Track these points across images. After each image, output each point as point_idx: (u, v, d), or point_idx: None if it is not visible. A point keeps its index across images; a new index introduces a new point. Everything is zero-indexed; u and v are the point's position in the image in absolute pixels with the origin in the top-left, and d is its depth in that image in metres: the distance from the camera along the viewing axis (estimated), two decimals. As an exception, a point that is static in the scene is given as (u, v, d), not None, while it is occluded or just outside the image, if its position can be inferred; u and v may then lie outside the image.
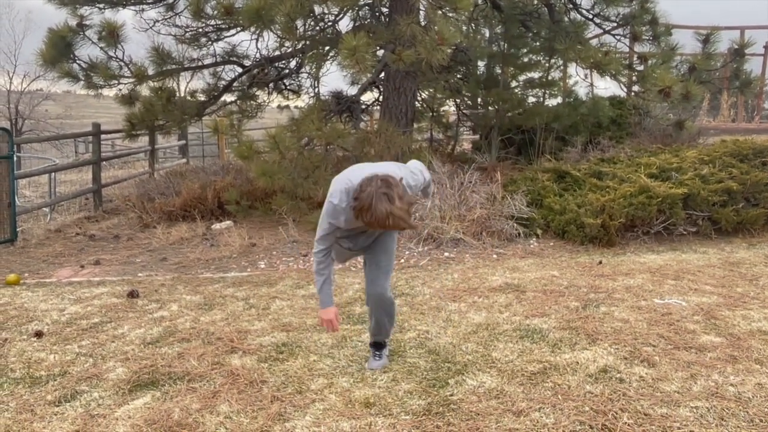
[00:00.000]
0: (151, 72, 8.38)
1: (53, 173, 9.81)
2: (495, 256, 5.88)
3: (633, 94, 9.70)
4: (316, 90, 9.23)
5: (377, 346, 3.36)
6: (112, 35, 7.93)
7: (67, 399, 2.99)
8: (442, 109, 12.00)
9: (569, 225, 6.25)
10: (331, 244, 2.99)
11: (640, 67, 8.83)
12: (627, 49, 9.56)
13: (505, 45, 9.69)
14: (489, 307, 4.22)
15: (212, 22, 8.58)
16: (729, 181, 6.36)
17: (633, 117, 10.22)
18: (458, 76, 10.53)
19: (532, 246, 6.21)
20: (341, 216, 2.84)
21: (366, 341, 3.59)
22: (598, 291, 4.52)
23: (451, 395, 2.92)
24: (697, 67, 8.68)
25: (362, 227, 2.94)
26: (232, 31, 8.87)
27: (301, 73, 9.67)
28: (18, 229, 7.39)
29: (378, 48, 7.78)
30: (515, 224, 6.38)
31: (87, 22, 8.05)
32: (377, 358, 3.34)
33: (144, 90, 8.92)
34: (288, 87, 9.94)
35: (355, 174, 2.83)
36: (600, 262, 5.42)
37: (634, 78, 9.00)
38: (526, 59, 9.97)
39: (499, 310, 4.15)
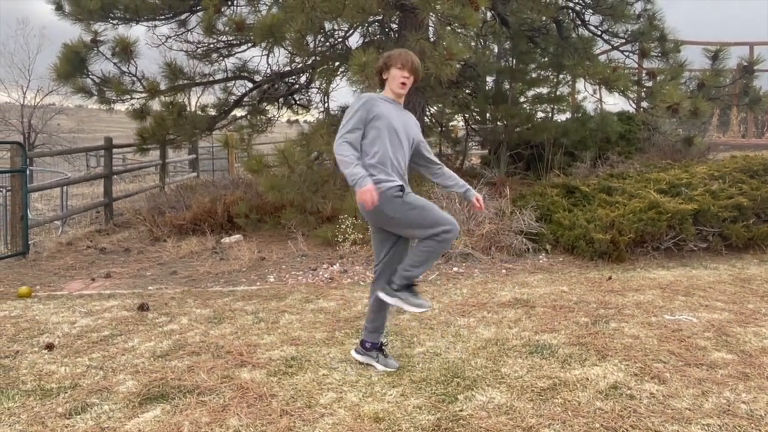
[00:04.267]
0: (163, 87, 8.48)
1: (65, 187, 9.91)
2: (504, 271, 5.87)
3: (642, 109, 9.71)
4: (326, 105, 9.30)
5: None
6: (125, 51, 8.05)
7: (78, 411, 3.00)
8: (450, 124, 12.05)
9: (578, 240, 6.24)
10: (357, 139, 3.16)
11: (649, 83, 8.85)
12: (635, 65, 9.59)
13: (514, 60, 9.74)
14: (498, 323, 4.21)
15: (224, 38, 8.68)
16: (739, 196, 6.33)
17: (642, 132, 10.23)
18: (467, 91, 10.58)
19: (541, 261, 6.20)
20: (375, 102, 3.20)
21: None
22: (608, 307, 4.50)
23: (461, 411, 2.91)
24: (706, 84, 8.70)
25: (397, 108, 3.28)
26: (244, 47, 8.97)
27: (311, 88, 9.75)
28: (30, 242, 7.46)
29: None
30: (524, 239, 6.38)
31: (101, 38, 8.18)
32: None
33: (155, 105, 9.02)
34: (298, 102, 10.01)
35: None
36: (609, 278, 5.40)
37: (642, 94, 9.02)
38: (534, 75, 10.02)
39: (508, 326, 4.14)
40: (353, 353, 3.56)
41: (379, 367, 3.43)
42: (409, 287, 3.24)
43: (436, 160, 3.52)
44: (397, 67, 3.25)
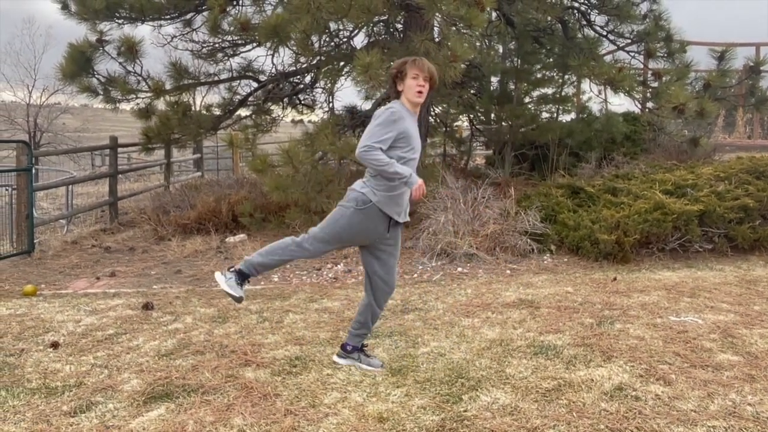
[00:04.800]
0: (168, 86, 8.50)
1: (70, 185, 9.93)
2: (508, 271, 5.86)
3: (647, 110, 9.67)
4: (331, 105, 9.30)
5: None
6: (130, 50, 8.07)
7: (83, 410, 3.01)
8: (455, 124, 12.04)
9: (583, 241, 6.22)
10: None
11: (655, 84, 8.81)
12: (641, 66, 9.56)
13: (519, 61, 9.72)
14: (503, 323, 4.20)
15: (229, 38, 8.69)
16: (745, 198, 6.31)
17: (647, 133, 10.19)
18: (472, 91, 10.57)
19: (545, 262, 6.19)
20: (403, 118, 3.13)
21: (378, 355, 3.59)
22: (613, 308, 4.49)
23: (465, 411, 2.91)
24: (712, 84, 8.66)
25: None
26: (249, 47, 8.98)
27: (316, 88, 9.75)
28: (35, 241, 7.48)
29: (392, 64, 7.83)
30: (529, 240, 6.36)
31: (106, 38, 8.20)
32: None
33: (160, 104, 9.04)
34: (302, 102, 10.02)
35: None
36: (614, 279, 5.38)
37: (648, 94, 8.99)
38: (539, 75, 10.00)
39: (512, 326, 4.13)
40: (335, 358, 3.53)
41: (364, 367, 3.44)
42: (243, 276, 3.30)
43: None
44: (412, 76, 3.17)
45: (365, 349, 3.54)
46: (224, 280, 3.28)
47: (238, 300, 3.29)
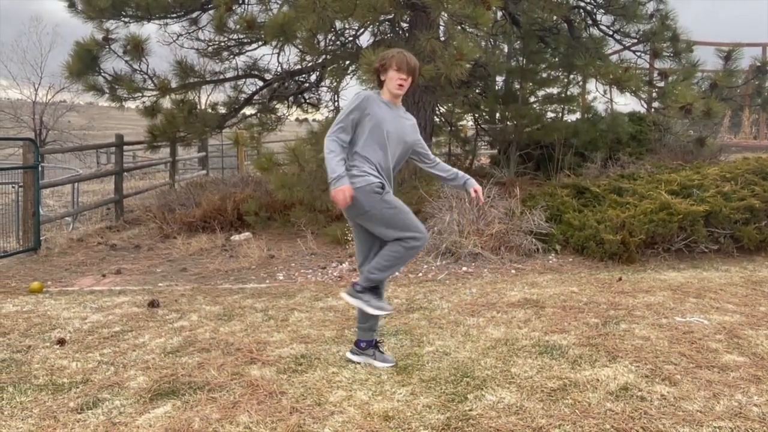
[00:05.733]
0: (174, 85, 8.53)
1: (76, 183, 9.97)
2: (513, 271, 5.85)
3: (653, 110, 9.65)
4: (336, 103, 9.31)
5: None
6: (136, 49, 8.10)
7: (89, 406, 3.02)
8: (460, 123, 12.03)
9: (588, 241, 6.21)
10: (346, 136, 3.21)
11: (661, 84, 8.80)
12: (647, 65, 9.53)
13: (524, 60, 9.71)
14: (508, 323, 4.20)
15: (235, 37, 8.71)
16: (751, 198, 6.28)
17: (653, 133, 10.17)
18: (477, 90, 10.56)
19: (551, 262, 6.18)
20: (372, 102, 3.20)
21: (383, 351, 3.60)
22: (618, 308, 4.48)
23: (470, 410, 2.91)
24: (719, 84, 8.63)
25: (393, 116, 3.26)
26: (254, 45, 9.01)
27: (321, 86, 9.78)
28: (41, 238, 7.51)
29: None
30: (534, 240, 6.36)
31: (113, 36, 8.24)
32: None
33: (166, 102, 9.07)
34: (308, 100, 10.04)
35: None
36: (620, 279, 5.37)
37: (654, 94, 8.97)
38: (544, 75, 9.98)
39: (517, 326, 4.13)
40: (348, 355, 3.57)
41: (378, 365, 3.45)
42: (373, 289, 3.32)
43: (431, 155, 3.57)
44: (394, 69, 3.26)
45: (380, 345, 3.55)
46: (364, 304, 3.30)
47: (389, 311, 3.41)
